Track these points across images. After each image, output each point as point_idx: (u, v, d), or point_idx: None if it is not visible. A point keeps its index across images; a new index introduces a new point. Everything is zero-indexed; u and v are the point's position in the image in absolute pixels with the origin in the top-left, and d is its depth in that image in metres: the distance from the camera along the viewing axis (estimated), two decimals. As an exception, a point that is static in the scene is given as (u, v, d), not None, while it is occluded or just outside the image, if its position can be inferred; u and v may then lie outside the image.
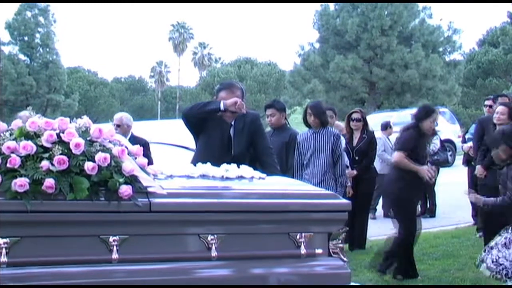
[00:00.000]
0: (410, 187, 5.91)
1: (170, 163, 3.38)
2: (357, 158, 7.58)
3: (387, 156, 10.55)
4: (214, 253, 2.70)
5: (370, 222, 8.20)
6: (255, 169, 3.28)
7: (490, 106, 7.95)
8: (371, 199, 8.51)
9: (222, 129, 4.74)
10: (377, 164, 8.65)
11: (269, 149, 4.90)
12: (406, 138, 6.06)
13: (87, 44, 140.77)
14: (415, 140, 5.98)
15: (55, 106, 43.58)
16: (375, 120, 14.83)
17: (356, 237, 7.43)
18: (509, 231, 4.74)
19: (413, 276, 5.96)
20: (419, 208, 10.84)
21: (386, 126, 10.99)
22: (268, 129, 6.67)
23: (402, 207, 6.01)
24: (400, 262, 5.96)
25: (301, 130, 7.31)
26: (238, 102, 4.58)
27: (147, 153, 5.99)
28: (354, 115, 7.74)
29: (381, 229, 8.97)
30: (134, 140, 5.95)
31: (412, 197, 6.04)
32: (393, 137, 11.48)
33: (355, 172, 7.33)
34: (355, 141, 7.70)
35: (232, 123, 4.75)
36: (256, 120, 4.86)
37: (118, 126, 6.71)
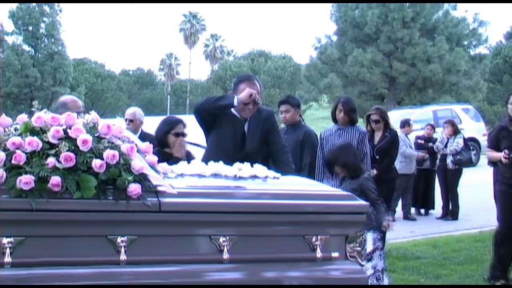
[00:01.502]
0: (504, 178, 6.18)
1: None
2: (377, 157, 7.54)
3: (409, 151, 10.52)
4: (226, 256, 2.71)
5: (389, 225, 8.18)
6: (268, 168, 3.29)
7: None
8: (391, 200, 8.48)
9: (235, 125, 4.75)
10: (397, 164, 8.62)
11: (284, 148, 4.91)
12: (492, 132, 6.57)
13: (94, 35, 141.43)
14: (497, 132, 6.28)
15: (61, 100, 43.72)
16: (395, 117, 14.80)
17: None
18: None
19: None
20: (441, 210, 10.91)
21: (405, 124, 10.98)
22: (282, 125, 6.66)
23: (497, 200, 6.37)
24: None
25: (316, 127, 7.32)
26: (253, 94, 4.60)
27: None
28: (372, 117, 7.70)
29: (400, 232, 8.97)
30: (144, 136, 5.97)
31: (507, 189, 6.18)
32: (412, 136, 11.51)
33: (375, 171, 7.29)
34: (376, 139, 7.67)
35: (247, 118, 4.77)
36: (270, 117, 4.88)
37: (131, 121, 6.70)
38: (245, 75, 5.38)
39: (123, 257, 2.56)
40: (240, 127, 4.77)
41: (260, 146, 4.81)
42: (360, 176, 5.20)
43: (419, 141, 11.63)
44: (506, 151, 5.94)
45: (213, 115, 4.72)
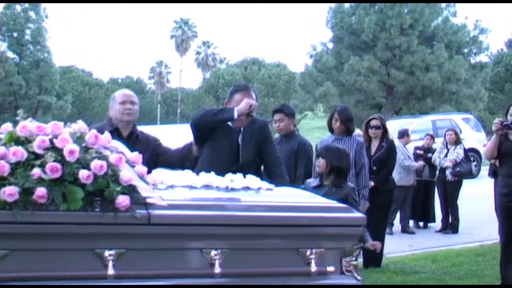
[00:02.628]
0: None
1: (170, 171, 3.39)
2: (374, 168, 7.56)
3: (408, 162, 10.53)
4: (217, 270, 2.71)
5: (387, 238, 8.19)
6: (262, 179, 3.29)
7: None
8: (389, 212, 8.50)
9: (231, 136, 4.79)
10: (395, 175, 8.64)
11: (277, 159, 4.95)
12: None
13: (82, 42, 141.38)
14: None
15: (46, 108, 43.73)
16: (392, 127, 14.82)
17: (371, 254, 7.41)
18: None
19: None
20: (441, 223, 10.93)
21: (403, 134, 11.01)
22: (276, 135, 6.67)
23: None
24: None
25: (311, 137, 7.34)
26: (253, 106, 4.65)
27: None
28: (373, 122, 7.74)
29: (398, 245, 8.98)
30: None
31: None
32: (411, 146, 11.55)
33: (372, 183, 7.31)
34: (373, 149, 7.70)
35: (241, 129, 4.80)
36: (264, 128, 4.91)
37: None
38: (242, 85, 5.43)
39: (111, 271, 2.55)
40: (235, 138, 4.81)
41: (253, 157, 4.85)
42: (345, 186, 5.15)
43: (418, 151, 11.66)
44: (496, 120, 5.96)
45: (211, 128, 4.75)
